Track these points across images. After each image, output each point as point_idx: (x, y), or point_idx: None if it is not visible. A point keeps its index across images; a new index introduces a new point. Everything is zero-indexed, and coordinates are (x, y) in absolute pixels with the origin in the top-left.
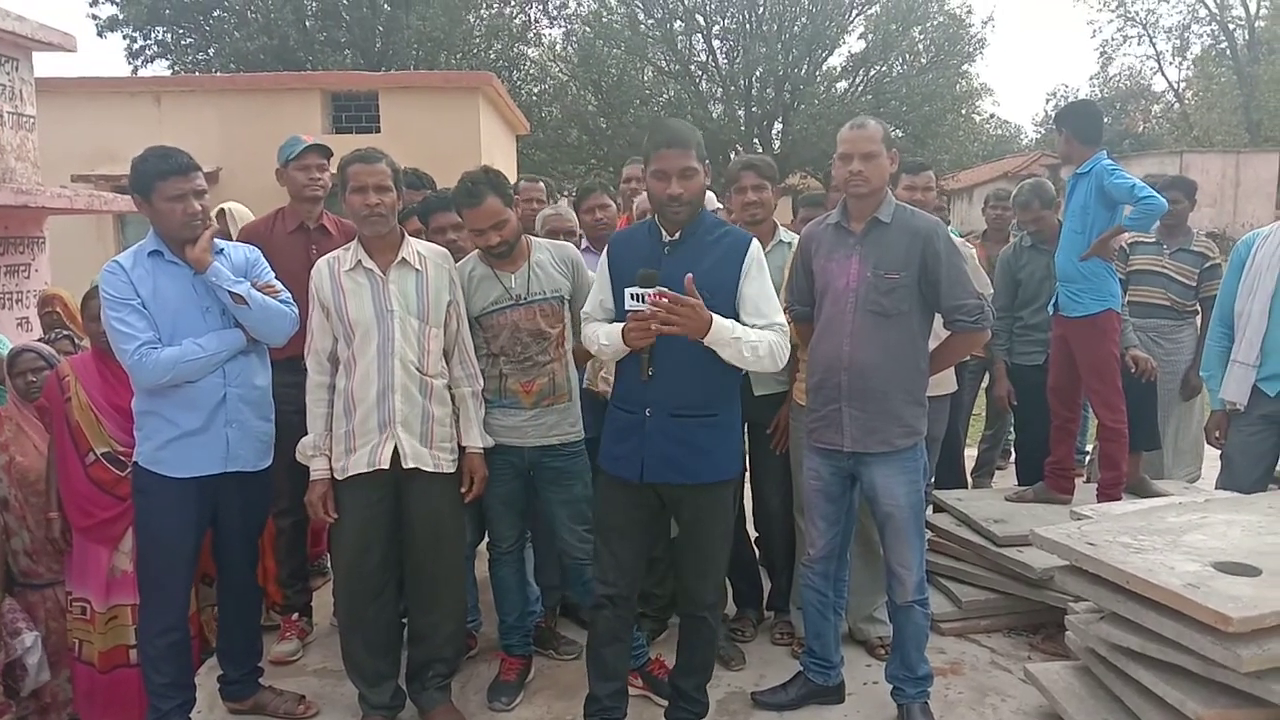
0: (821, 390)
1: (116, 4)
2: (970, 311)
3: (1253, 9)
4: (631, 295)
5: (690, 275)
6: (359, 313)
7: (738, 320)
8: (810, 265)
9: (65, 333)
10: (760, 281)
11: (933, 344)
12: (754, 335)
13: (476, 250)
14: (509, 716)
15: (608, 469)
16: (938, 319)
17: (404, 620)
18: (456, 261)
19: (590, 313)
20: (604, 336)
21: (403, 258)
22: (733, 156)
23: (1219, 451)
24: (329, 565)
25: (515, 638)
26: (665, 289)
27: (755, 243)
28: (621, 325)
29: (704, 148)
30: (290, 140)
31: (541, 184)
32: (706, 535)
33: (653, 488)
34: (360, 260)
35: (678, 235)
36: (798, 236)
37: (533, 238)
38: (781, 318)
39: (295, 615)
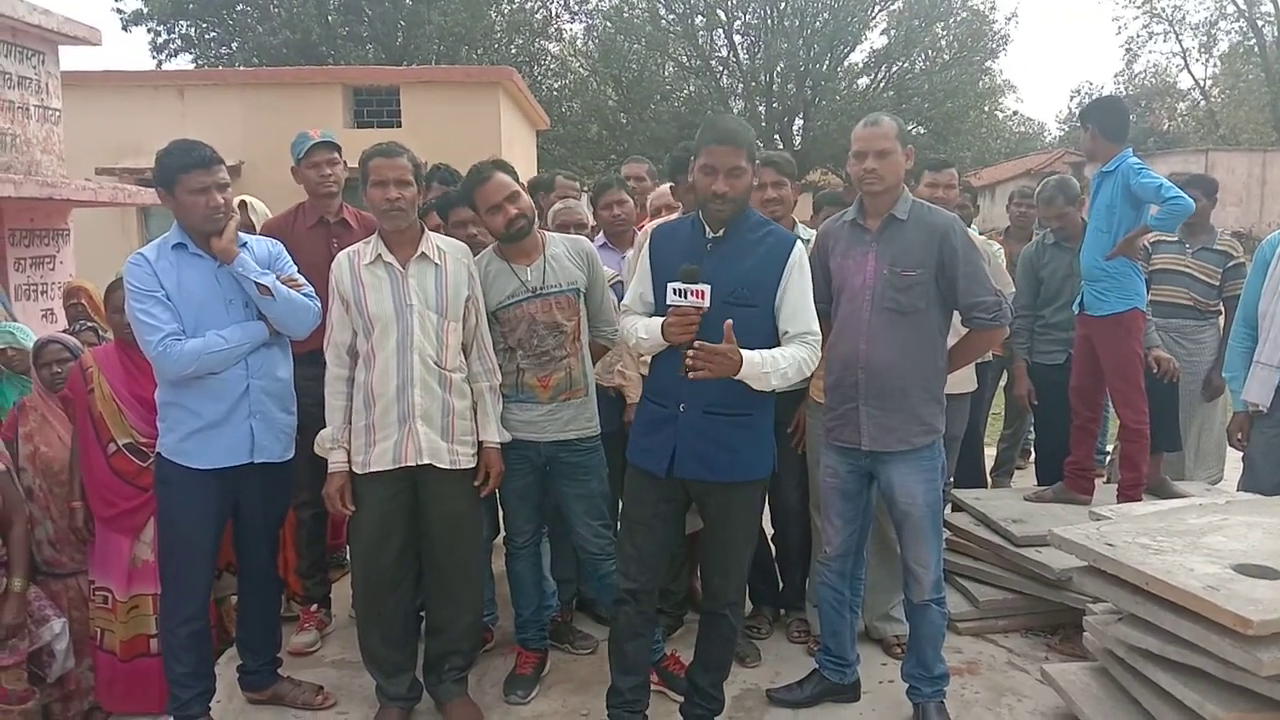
0: (839, 389)
1: None
2: (988, 309)
3: None
4: (674, 290)
5: (730, 322)
6: (378, 307)
7: (774, 324)
8: (827, 263)
9: (89, 324)
10: (801, 287)
11: (953, 340)
12: (784, 362)
13: (492, 245)
14: (524, 710)
15: (635, 461)
16: (957, 316)
17: (421, 613)
18: (476, 256)
19: (629, 305)
20: (643, 330)
21: (422, 252)
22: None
23: (1241, 453)
24: (348, 557)
25: (531, 632)
26: (708, 286)
27: (799, 245)
28: (661, 320)
29: (756, 147)
30: (299, 138)
31: (576, 182)
32: (731, 533)
33: (681, 483)
34: (380, 254)
35: (721, 232)
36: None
37: (547, 232)
38: (816, 327)
39: (314, 607)
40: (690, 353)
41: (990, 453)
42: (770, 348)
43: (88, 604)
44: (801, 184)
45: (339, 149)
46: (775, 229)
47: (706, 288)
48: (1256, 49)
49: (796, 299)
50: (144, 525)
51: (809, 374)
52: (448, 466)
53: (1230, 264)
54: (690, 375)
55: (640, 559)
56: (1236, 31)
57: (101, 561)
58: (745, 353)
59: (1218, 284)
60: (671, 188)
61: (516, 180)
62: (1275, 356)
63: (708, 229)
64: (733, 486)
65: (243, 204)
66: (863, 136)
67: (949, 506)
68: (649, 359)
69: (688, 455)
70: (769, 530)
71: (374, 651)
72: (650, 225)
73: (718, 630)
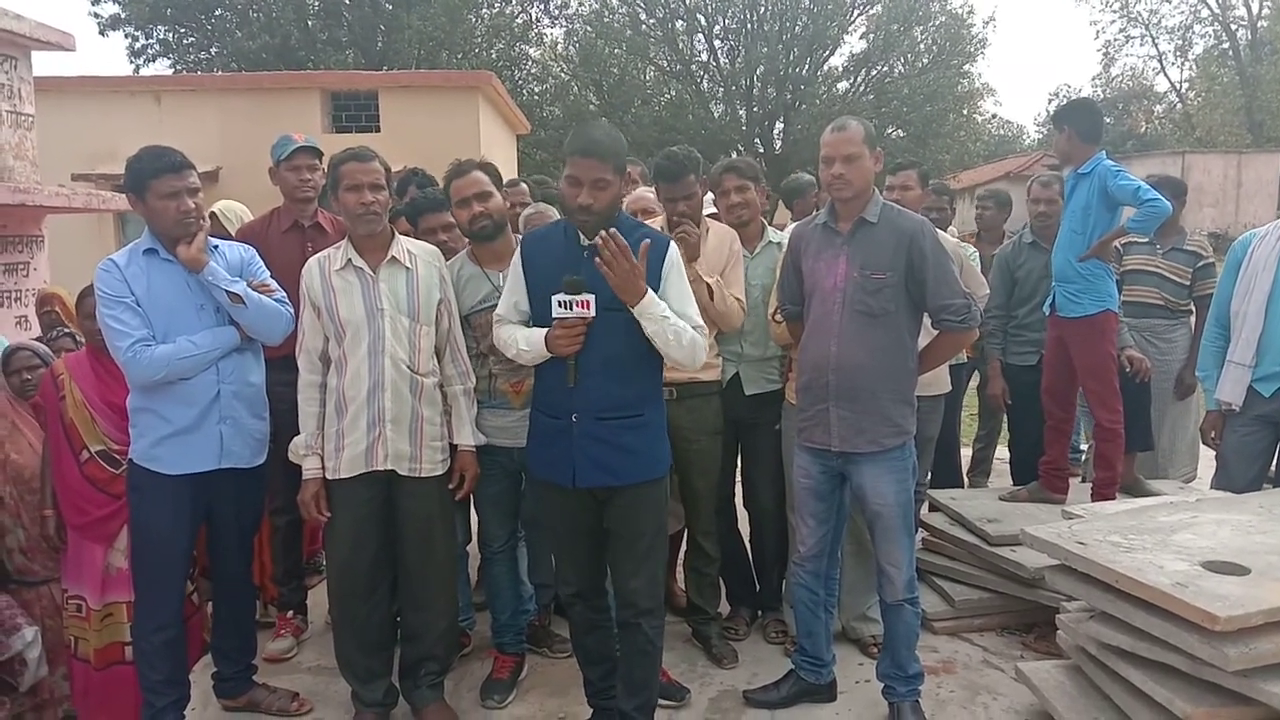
0: (810, 390)
1: (119, 3)
2: (957, 311)
3: (1255, 9)
4: (559, 302)
5: (647, 241)
6: (349, 312)
7: None
8: (799, 265)
9: (65, 331)
10: (680, 285)
11: (924, 341)
12: (681, 323)
13: (465, 250)
14: (502, 714)
15: (538, 474)
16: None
17: (398, 618)
18: (448, 260)
19: (504, 315)
20: (524, 341)
21: (393, 256)
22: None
23: (1214, 451)
24: (324, 563)
25: (508, 636)
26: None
27: (674, 246)
28: (544, 331)
29: (624, 158)
30: (281, 140)
31: (524, 185)
32: (638, 533)
33: (588, 491)
34: (350, 259)
35: (596, 239)
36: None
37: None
38: (701, 321)
39: (290, 613)
40: (601, 237)
41: (966, 453)
42: (650, 351)
43: (60, 612)
44: (783, 188)
45: (321, 155)
46: (648, 231)
47: (591, 297)
48: (1231, 52)
49: (678, 297)
50: (118, 533)
51: (698, 359)
52: (406, 474)
53: (1200, 264)
54: (597, 264)
55: (574, 564)
56: (1211, 35)
57: (75, 569)
58: (651, 290)
59: (1188, 284)
60: (656, 190)
61: (496, 184)
62: (1247, 356)
63: (582, 236)
64: (636, 487)
65: (213, 215)
66: (830, 142)
67: (925, 506)
68: None
69: (588, 464)
70: (745, 532)
71: (349, 657)
72: None
73: (633, 643)
